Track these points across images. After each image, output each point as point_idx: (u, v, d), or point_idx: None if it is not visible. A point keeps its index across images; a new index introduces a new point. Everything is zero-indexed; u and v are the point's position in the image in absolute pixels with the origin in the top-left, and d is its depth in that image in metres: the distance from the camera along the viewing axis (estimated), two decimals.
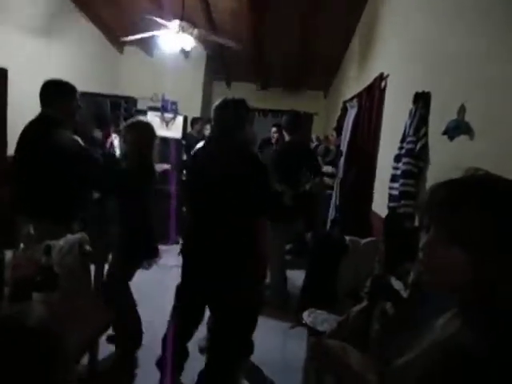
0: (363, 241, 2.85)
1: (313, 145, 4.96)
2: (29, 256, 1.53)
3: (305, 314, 2.59)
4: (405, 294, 1.78)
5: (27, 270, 1.46)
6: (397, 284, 2.00)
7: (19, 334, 0.73)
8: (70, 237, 1.87)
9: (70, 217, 2.25)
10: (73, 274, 1.74)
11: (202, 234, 2.08)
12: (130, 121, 2.60)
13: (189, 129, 5.99)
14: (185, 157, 5.45)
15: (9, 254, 1.68)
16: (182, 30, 3.91)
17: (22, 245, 1.54)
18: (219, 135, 2.16)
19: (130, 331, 2.48)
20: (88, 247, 1.84)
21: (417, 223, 2.11)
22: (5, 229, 1.88)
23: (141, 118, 2.76)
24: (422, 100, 2.15)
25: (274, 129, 4.77)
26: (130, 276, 2.47)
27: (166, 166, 4.06)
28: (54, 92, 2.29)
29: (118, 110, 4.91)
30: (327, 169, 4.33)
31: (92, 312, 1.57)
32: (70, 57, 5.10)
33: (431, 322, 0.76)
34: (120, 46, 6.44)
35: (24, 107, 4.29)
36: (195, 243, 2.13)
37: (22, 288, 1.46)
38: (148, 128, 2.51)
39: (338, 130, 4.63)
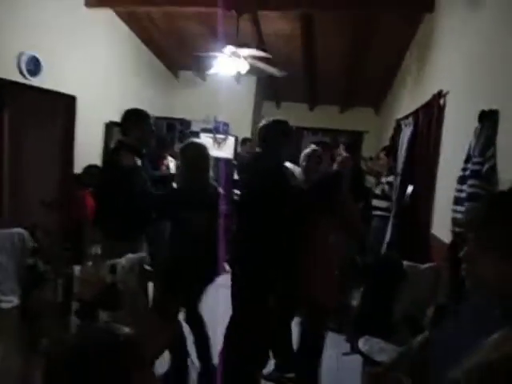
0: (422, 266, 2.70)
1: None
2: (95, 273, 1.60)
3: (360, 342, 2.48)
4: None
5: (94, 287, 1.53)
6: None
7: (118, 347, 0.75)
8: (130, 256, 1.94)
9: (136, 235, 2.36)
10: (134, 292, 1.79)
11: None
12: (184, 142, 2.68)
13: (239, 149, 6.11)
14: (236, 176, 5.55)
15: (77, 270, 1.78)
16: (235, 54, 4.04)
17: (89, 262, 1.62)
18: (258, 154, 2.31)
19: None
20: (148, 267, 1.90)
21: None
22: (74, 246, 2.00)
23: (194, 139, 2.83)
24: (488, 118, 2.03)
25: (312, 146, 4.78)
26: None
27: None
28: (130, 120, 2.51)
29: (173, 131, 5.12)
30: (380, 190, 4.20)
31: (153, 330, 1.60)
32: (130, 82, 5.42)
33: (481, 338, 0.73)
34: (175, 70, 6.76)
35: (90, 134, 4.64)
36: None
37: (89, 305, 1.53)
38: (201, 149, 2.55)
39: (391, 149, 4.49)
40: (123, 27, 5.16)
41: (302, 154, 2.81)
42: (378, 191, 4.19)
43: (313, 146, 3.29)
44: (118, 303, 1.44)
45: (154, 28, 5.35)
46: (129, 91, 5.36)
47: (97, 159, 4.80)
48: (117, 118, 5.07)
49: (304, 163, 2.79)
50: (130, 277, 1.74)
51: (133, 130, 2.48)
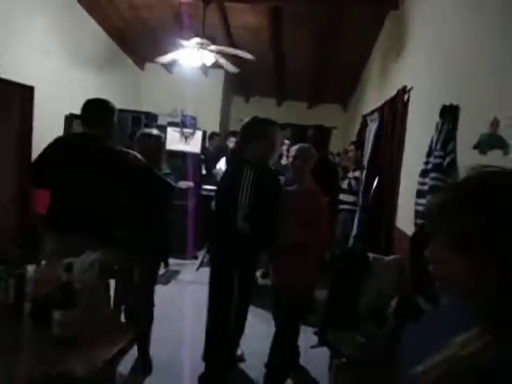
0: (387, 258, 2.76)
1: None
2: (50, 272, 1.51)
3: (328, 334, 2.50)
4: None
5: (48, 286, 1.44)
6: (425, 305, 1.91)
7: None
8: (90, 253, 1.85)
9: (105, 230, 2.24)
10: (92, 290, 1.71)
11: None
12: (139, 133, 2.68)
13: (207, 143, 6.02)
14: (204, 171, 5.47)
15: (31, 270, 1.67)
16: (202, 46, 3.96)
17: (43, 261, 1.53)
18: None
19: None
20: (109, 263, 1.82)
21: None
22: (28, 244, 1.89)
23: (148, 129, 2.78)
24: (449, 113, 2.08)
25: (287, 141, 4.83)
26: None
27: (191, 184, 3.98)
28: (97, 111, 2.35)
29: (138, 125, 4.98)
30: (347, 185, 4.25)
31: (114, 330, 1.54)
32: (93, 74, 5.22)
33: (449, 338, 0.71)
34: (141, 62, 6.58)
35: (48, 125, 4.42)
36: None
37: (43, 305, 1.45)
38: (157, 139, 2.58)
39: (358, 144, 4.56)
40: (86, 16, 4.94)
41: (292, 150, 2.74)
42: (344, 186, 4.24)
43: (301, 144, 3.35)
44: (73, 302, 1.36)
45: (118, 18, 5.17)
46: (92, 83, 5.15)
47: None
48: (78, 111, 4.90)
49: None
50: (89, 275, 1.66)
51: (97, 123, 2.33)
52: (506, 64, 1.69)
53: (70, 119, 4.76)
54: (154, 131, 2.69)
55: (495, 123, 1.62)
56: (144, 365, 2.55)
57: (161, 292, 2.83)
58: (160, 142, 2.61)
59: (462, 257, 0.63)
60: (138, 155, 2.38)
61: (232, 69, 4.47)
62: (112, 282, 2.39)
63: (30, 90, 4.12)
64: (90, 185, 2.19)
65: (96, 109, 2.37)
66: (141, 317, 2.47)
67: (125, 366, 2.37)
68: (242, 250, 2.32)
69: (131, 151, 2.38)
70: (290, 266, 2.39)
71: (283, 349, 2.52)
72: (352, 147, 4.50)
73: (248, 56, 4.02)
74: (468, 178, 0.67)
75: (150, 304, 2.55)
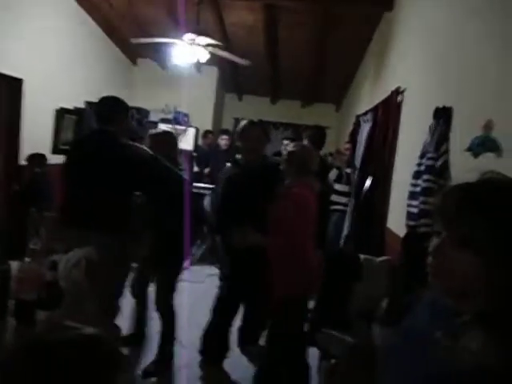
0: (378, 259, 2.75)
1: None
2: (35, 270, 1.47)
3: (317, 335, 2.49)
4: None
5: (32, 285, 1.41)
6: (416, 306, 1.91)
7: (86, 344, 0.70)
8: (77, 250, 1.82)
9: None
10: (79, 289, 1.68)
11: None
12: (153, 131, 2.78)
13: (200, 141, 5.99)
14: (196, 168, 5.42)
15: (14, 266, 1.63)
16: (195, 43, 3.92)
17: (27, 258, 1.49)
18: None
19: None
20: (95, 260, 1.78)
21: None
22: (10, 240, 1.84)
23: (163, 127, 2.86)
24: (442, 115, 2.08)
25: (286, 142, 4.73)
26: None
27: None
28: (111, 108, 2.42)
29: (130, 120, 4.92)
30: (339, 187, 4.25)
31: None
32: (84, 68, 5.14)
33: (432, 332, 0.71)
34: (133, 57, 6.50)
35: (38, 118, 4.35)
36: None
37: (26, 304, 1.41)
38: (172, 136, 2.69)
39: (352, 143, 4.56)
40: (79, 10, 4.86)
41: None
42: (337, 187, 4.23)
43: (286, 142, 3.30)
44: (59, 302, 1.33)
45: (111, 12, 5.09)
46: (82, 77, 5.07)
47: (45, 147, 4.52)
48: (69, 105, 4.83)
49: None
50: (74, 273, 1.62)
51: (112, 119, 2.38)
52: (499, 66, 1.69)
53: (60, 113, 4.68)
54: (165, 129, 2.80)
55: (488, 126, 1.61)
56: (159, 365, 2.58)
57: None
58: (175, 138, 2.71)
59: (472, 255, 0.63)
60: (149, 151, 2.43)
61: (240, 61, 4.36)
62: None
63: (18, 82, 4.03)
64: (108, 181, 2.25)
65: (111, 106, 2.44)
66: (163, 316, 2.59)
67: None
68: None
69: (145, 147, 2.45)
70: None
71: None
72: (348, 145, 4.50)
73: (242, 62, 3.99)
74: (486, 180, 0.68)
75: (168, 306, 2.60)
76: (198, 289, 3.74)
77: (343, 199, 4.17)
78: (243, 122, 2.51)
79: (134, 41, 4.43)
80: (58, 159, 4.74)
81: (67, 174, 2.41)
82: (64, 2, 4.57)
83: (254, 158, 2.44)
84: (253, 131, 2.46)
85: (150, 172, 2.35)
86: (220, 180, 2.65)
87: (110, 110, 2.41)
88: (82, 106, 4.98)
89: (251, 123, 2.49)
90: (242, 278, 2.50)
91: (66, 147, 4.78)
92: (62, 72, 4.66)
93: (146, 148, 2.45)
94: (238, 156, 2.59)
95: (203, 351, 2.64)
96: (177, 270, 2.62)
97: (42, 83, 4.28)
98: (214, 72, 6.54)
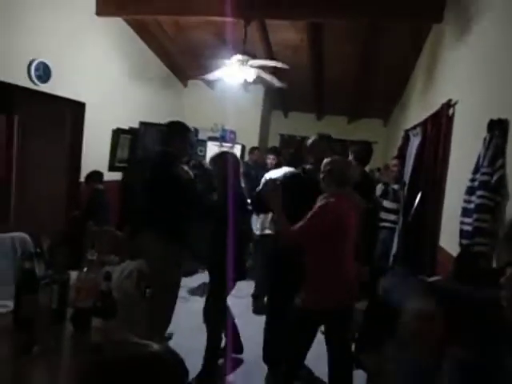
0: (430, 279, 2.63)
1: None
2: (91, 279, 1.57)
3: (364, 357, 2.40)
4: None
5: (88, 294, 1.50)
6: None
7: (154, 361, 0.71)
8: (128, 262, 1.91)
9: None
10: (130, 300, 1.76)
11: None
12: (216, 153, 2.94)
13: (246, 157, 6.09)
14: (243, 185, 5.51)
15: (73, 276, 1.75)
16: (243, 63, 4.04)
17: (84, 268, 1.60)
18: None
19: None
20: (146, 272, 1.87)
21: (494, 264, 1.90)
22: (73, 250, 1.98)
23: (225, 149, 2.98)
24: (498, 128, 1.98)
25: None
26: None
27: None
28: (174, 131, 2.82)
29: None
30: (387, 204, 4.13)
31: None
32: (138, 90, 5.46)
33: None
34: (184, 79, 6.81)
35: (96, 139, 4.67)
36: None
37: (83, 312, 1.50)
38: (234, 158, 2.82)
39: (400, 159, 4.43)
40: (133, 35, 5.21)
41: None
42: (385, 203, 4.12)
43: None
44: (113, 311, 1.40)
45: (163, 36, 5.40)
46: (137, 98, 5.39)
47: (103, 165, 4.83)
48: (124, 125, 5.15)
49: None
50: (127, 284, 1.71)
51: (176, 141, 2.75)
52: None
53: (116, 133, 4.99)
54: (230, 150, 2.98)
55: None
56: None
57: (199, 304, 2.89)
58: (237, 157, 2.88)
59: None
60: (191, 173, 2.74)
61: (277, 83, 4.49)
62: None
63: (81, 106, 4.37)
64: (156, 196, 2.65)
65: (168, 129, 2.85)
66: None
67: None
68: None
69: (188, 170, 2.78)
70: None
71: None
72: (396, 161, 4.38)
73: (283, 66, 4.07)
74: None
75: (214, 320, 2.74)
76: (240, 304, 3.79)
77: (391, 216, 4.04)
78: (313, 137, 2.69)
79: (200, 78, 4.68)
80: (115, 176, 5.05)
81: (128, 188, 2.77)
82: (117, 27, 4.91)
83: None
84: (320, 144, 2.54)
85: (184, 194, 2.63)
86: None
87: (170, 132, 2.80)
88: (136, 126, 5.28)
89: (320, 137, 2.62)
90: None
91: (122, 165, 5.10)
92: (118, 95, 4.99)
93: (188, 170, 2.74)
94: (307, 166, 2.67)
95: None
96: (223, 286, 2.68)
97: (100, 106, 4.61)
98: (260, 90, 6.67)
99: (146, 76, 5.67)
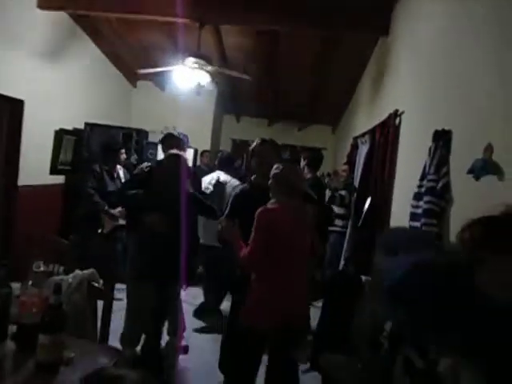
0: None
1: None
2: (37, 293, 1.45)
3: (320, 359, 2.44)
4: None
5: (35, 308, 1.38)
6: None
7: None
8: (78, 272, 1.80)
9: None
10: (80, 312, 1.65)
11: None
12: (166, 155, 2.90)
13: (198, 161, 6.02)
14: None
15: (16, 288, 1.60)
16: (198, 66, 3.99)
17: (30, 281, 1.47)
18: None
19: None
20: (97, 284, 1.76)
21: None
22: (13, 262, 1.82)
23: (173, 151, 2.86)
24: (442, 138, 2.12)
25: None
26: None
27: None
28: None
29: (129, 141, 4.95)
30: (336, 209, 4.25)
31: (99, 353, 1.47)
32: (85, 89, 5.20)
33: None
34: (133, 80, 6.59)
35: (37, 139, 4.36)
36: None
37: (28, 328, 1.38)
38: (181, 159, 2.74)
39: (349, 165, 4.61)
40: (80, 34, 4.95)
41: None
42: (336, 211, 4.24)
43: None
44: (63, 326, 1.30)
45: (112, 34, 5.19)
46: (82, 98, 5.12)
47: (45, 168, 4.53)
48: (68, 126, 4.87)
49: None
50: (77, 295, 1.60)
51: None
52: (496, 88, 1.73)
53: (59, 134, 4.71)
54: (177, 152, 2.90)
55: (489, 149, 1.64)
56: None
57: None
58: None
59: None
60: None
61: (243, 76, 4.42)
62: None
63: (19, 103, 4.07)
64: None
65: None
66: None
67: None
68: None
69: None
70: None
71: None
72: (346, 167, 4.54)
73: (245, 77, 4.08)
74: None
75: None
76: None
77: (339, 222, 4.17)
78: (256, 141, 2.62)
79: (141, 71, 4.50)
80: (57, 180, 4.75)
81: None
82: (65, 26, 4.65)
83: (264, 172, 2.42)
84: (262, 149, 2.55)
85: None
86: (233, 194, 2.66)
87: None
88: (81, 127, 5.01)
89: (262, 141, 2.58)
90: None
91: (66, 167, 4.81)
92: (61, 94, 4.71)
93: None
94: (253, 177, 2.63)
95: None
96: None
97: (42, 105, 4.32)
98: (212, 94, 6.63)
99: (93, 75, 5.41)
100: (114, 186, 3.95)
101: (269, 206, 2.18)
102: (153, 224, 2.52)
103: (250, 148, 2.64)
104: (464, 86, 2.09)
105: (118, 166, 4.23)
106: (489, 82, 1.82)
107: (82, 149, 4.93)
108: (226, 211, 2.52)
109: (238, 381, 2.37)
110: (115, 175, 4.13)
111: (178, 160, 2.63)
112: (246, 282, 2.21)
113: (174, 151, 2.74)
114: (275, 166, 2.29)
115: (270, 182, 2.26)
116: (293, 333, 2.20)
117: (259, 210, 2.11)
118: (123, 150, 4.28)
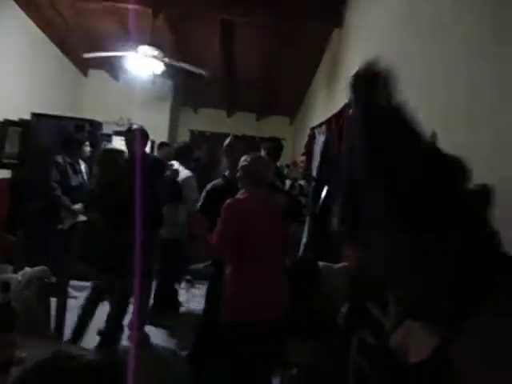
0: (337, 266, 2.83)
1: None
2: None
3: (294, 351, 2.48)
4: (385, 322, 1.74)
5: None
6: (376, 311, 1.96)
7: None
8: (28, 270, 1.71)
9: None
10: (31, 310, 1.58)
11: None
12: (102, 149, 2.74)
13: (156, 153, 5.88)
14: None
15: None
16: (152, 55, 3.88)
17: None
18: None
19: None
20: (48, 280, 1.69)
21: None
22: None
23: (111, 145, 2.84)
24: None
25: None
26: None
27: None
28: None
29: (81, 133, 4.73)
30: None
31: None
32: (33, 78, 4.90)
33: None
34: (84, 68, 6.30)
35: None
36: None
37: None
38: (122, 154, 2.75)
39: (307, 155, 4.68)
40: (26, 20, 4.64)
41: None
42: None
43: None
44: (13, 325, 1.24)
45: (58, 20, 4.92)
46: (28, 87, 4.83)
47: None
48: (14, 116, 4.57)
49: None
50: (26, 294, 1.52)
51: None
52: (451, 76, 1.82)
53: (4, 126, 4.42)
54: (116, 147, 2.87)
55: (433, 137, 1.72)
56: None
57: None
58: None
59: None
60: None
61: (197, 70, 4.35)
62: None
63: None
64: None
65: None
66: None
67: None
68: None
69: None
70: None
71: None
72: (303, 158, 4.61)
73: (200, 71, 4.02)
74: None
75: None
76: None
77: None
78: (229, 138, 2.68)
79: (86, 55, 4.30)
80: (2, 174, 4.46)
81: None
82: (10, 11, 4.35)
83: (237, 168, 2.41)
84: (236, 146, 2.59)
85: None
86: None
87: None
88: (28, 117, 4.73)
89: (236, 138, 2.64)
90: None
91: (12, 161, 4.53)
92: (5, 82, 4.41)
93: None
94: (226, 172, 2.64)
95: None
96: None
97: None
98: (168, 85, 6.48)
99: (42, 64, 5.10)
100: (77, 181, 3.79)
101: (238, 196, 2.19)
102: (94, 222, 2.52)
103: (224, 145, 2.67)
104: (413, 75, 2.18)
105: (81, 161, 4.05)
106: (442, 69, 1.90)
107: (30, 140, 4.66)
108: (198, 206, 2.52)
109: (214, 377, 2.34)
110: (77, 169, 3.94)
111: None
112: (218, 272, 2.23)
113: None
114: (243, 158, 2.30)
115: (238, 173, 2.27)
116: (273, 330, 2.14)
117: (228, 201, 2.10)
118: (88, 143, 4.09)
